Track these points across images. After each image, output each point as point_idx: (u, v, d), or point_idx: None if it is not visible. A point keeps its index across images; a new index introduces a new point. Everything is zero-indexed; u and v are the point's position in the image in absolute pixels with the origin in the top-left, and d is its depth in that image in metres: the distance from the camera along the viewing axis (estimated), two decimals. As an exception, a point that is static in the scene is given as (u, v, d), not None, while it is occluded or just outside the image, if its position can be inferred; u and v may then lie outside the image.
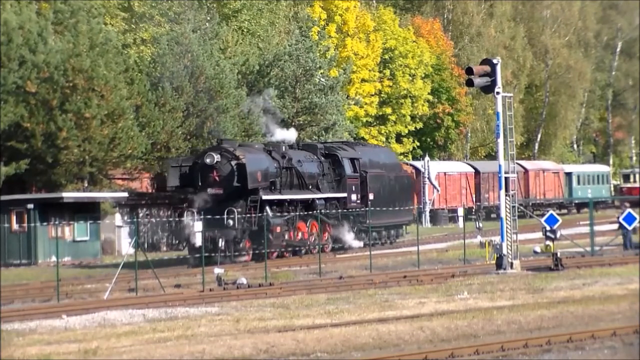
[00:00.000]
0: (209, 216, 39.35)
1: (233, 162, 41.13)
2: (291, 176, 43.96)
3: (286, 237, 42.86)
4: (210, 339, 21.21)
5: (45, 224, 42.84)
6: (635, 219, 40.72)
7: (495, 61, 35.36)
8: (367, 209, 45.63)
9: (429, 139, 78.76)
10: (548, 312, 23.95)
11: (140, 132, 47.36)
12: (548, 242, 39.97)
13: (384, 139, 72.43)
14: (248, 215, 40.51)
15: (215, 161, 41.05)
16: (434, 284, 31.85)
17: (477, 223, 56.95)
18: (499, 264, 34.72)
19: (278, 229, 41.74)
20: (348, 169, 46.99)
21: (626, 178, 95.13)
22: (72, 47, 45.20)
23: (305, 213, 43.77)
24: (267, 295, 29.88)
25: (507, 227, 34.82)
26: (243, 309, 26.97)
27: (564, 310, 24.20)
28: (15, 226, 43.85)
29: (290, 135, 48.08)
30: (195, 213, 40.46)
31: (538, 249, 41.29)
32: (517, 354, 20.07)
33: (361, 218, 46.79)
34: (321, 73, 58.46)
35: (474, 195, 71.59)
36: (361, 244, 47.06)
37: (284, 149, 44.41)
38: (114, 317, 25.60)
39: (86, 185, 47.05)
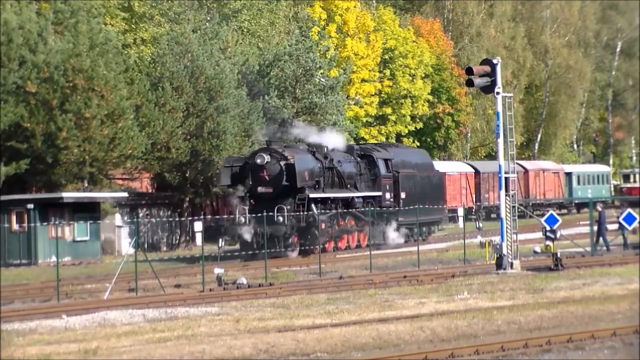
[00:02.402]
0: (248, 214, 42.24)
1: (282, 163, 43.40)
2: (332, 176, 46.23)
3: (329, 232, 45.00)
4: (210, 339, 21.22)
5: (45, 224, 42.83)
6: (635, 218, 40.72)
7: (495, 61, 35.36)
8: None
9: (429, 139, 78.71)
10: (548, 312, 23.96)
11: (140, 132, 47.35)
12: (548, 242, 40.00)
13: (384, 139, 72.37)
14: (297, 212, 42.75)
15: (265, 161, 43.31)
16: (434, 284, 31.85)
17: (477, 223, 56.97)
18: (499, 264, 34.72)
19: (323, 225, 43.44)
20: (382, 169, 49.11)
21: (626, 178, 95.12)
22: (72, 47, 45.20)
23: (345, 211, 45.85)
24: (267, 295, 29.88)
25: (507, 227, 34.82)
26: (243, 309, 26.97)
27: (564, 310, 24.20)
28: (15, 226, 43.84)
29: (340, 142, 49.46)
30: (246, 210, 42.70)
31: (538, 249, 41.30)
32: (517, 354, 20.08)
33: (394, 216, 48.83)
34: (321, 73, 58.41)
35: (474, 195, 71.55)
36: (402, 240, 49.11)
37: (325, 150, 46.63)
38: (114, 317, 25.60)
39: (86, 185, 47.05)
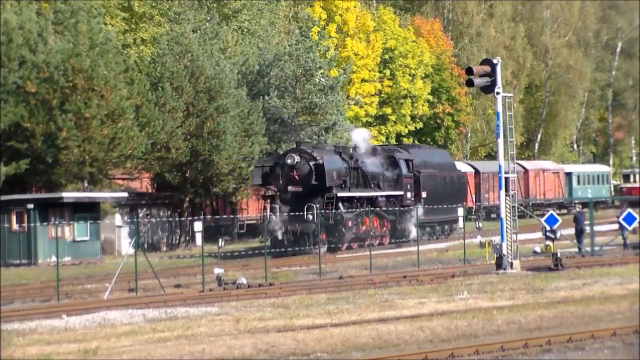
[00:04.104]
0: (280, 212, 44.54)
1: (311, 163, 45.43)
2: (357, 175, 48.33)
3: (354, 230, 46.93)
4: (210, 339, 21.21)
5: (45, 224, 42.82)
6: (635, 218, 40.69)
7: (495, 61, 35.35)
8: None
9: (429, 139, 78.69)
10: (548, 312, 23.94)
11: (140, 132, 47.34)
12: (548, 242, 39.99)
13: (384, 139, 72.37)
14: (326, 210, 44.65)
15: (295, 162, 45.39)
16: (434, 284, 31.84)
17: (477, 223, 57.01)
18: (499, 264, 34.71)
19: (350, 223, 44.97)
20: (404, 169, 50.94)
21: (626, 178, 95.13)
22: (72, 47, 45.19)
23: (369, 209, 47.46)
24: (267, 295, 29.87)
25: (507, 227, 34.81)
26: (243, 309, 26.96)
27: (564, 310, 24.19)
28: (15, 226, 43.83)
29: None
30: (278, 209, 44.64)
31: (538, 249, 41.28)
32: (517, 354, 20.07)
33: (414, 214, 50.40)
34: (321, 73, 58.40)
35: (474, 195, 71.53)
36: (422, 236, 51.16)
37: (351, 151, 49.12)
38: (114, 317, 25.60)
39: (86, 185, 47.03)
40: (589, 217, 43.67)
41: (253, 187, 50.73)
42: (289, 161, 45.30)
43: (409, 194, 50.99)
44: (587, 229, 42.75)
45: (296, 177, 45.20)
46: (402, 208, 49.64)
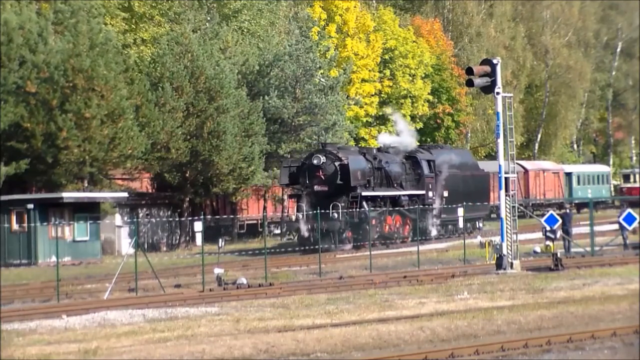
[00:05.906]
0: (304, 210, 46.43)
1: (336, 163, 47.09)
2: (381, 175, 49.98)
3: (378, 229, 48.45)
4: (210, 339, 21.22)
5: (45, 224, 42.82)
6: (635, 218, 40.68)
7: (495, 61, 35.35)
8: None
9: (429, 139, 78.66)
10: (548, 312, 23.95)
11: (140, 132, 47.34)
12: (548, 242, 39.99)
13: (383, 139, 72.30)
14: (350, 209, 46.20)
15: (321, 162, 47.04)
16: (434, 284, 31.84)
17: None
18: (499, 264, 34.72)
19: (374, 222, 46.15)
20: (426, 169, 52.54)
21: (626, 178, 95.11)
22: (72, 47, 45.20)
23: (392, 209, 49.20)
24: (267, 295, 29.88)
25: (507, 227, 34.81)
26: (243, 309, 26.97)
27: (564, 311, 24.19)
28: (15, 226, 43.84)
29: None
30: (304, 207, 46.09)
31: (538, 249, 41.27)
32: (517, 354, 20.07)
33: (436, 212, 52.46)
34: (321, 73, 58.41)
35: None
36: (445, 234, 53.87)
37: (374, 151, 51.07)
38: (114, 317, 25.60)
39: (86, 185, 47.04)
40: (589, 217, 43.66)
41: (281, 187, 52.40)
42: (315, 161, 46.88)
43: (430, 193, 52.38)
44: (573, 229, 42.93)
45: (322, 176, 46.80)
46: (423, 207, 50.75)
